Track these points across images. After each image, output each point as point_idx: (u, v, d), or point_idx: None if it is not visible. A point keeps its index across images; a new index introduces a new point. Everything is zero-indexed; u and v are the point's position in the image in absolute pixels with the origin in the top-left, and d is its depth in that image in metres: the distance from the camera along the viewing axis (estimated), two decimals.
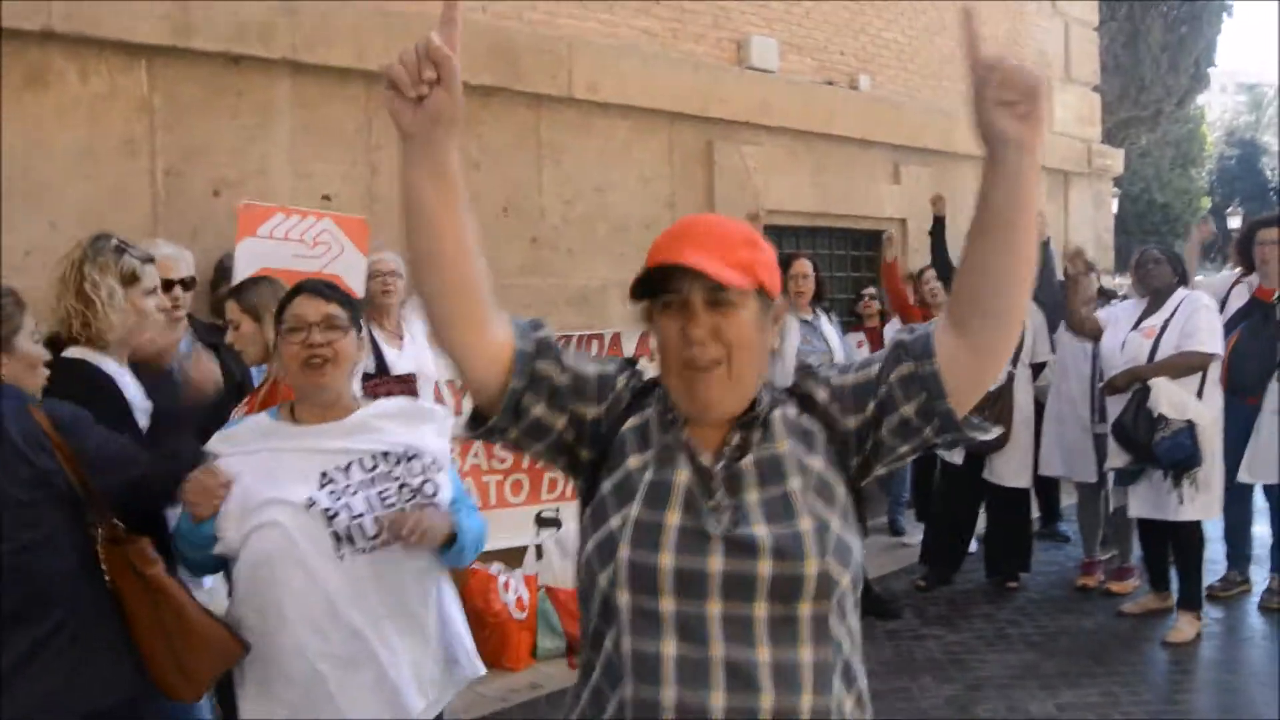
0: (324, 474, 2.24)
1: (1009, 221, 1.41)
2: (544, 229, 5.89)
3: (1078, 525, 6.47)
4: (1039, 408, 6.14)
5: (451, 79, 1.36)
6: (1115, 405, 5.29)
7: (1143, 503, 5.25)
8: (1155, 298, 5.35)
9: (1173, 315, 5.19)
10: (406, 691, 2.28)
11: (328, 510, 2.21)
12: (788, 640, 1.46)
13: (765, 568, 1.45)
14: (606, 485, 1.56)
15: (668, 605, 1.46)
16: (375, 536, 2.24)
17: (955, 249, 6.31)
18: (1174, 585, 5.42)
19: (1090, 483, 6.00)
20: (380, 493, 2.26)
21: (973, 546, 6.50)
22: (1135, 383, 5.13)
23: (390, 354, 4.54)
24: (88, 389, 2.75)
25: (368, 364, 4.35)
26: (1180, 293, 5.27)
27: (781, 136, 7.15)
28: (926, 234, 7.17)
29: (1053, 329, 6.09)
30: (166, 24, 4.38)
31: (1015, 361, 5.84)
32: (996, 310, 1.45)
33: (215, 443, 2.31)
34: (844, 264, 8.18)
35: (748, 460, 1.52)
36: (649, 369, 1.65)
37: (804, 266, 5.72)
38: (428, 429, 2.40)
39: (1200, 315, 5.11)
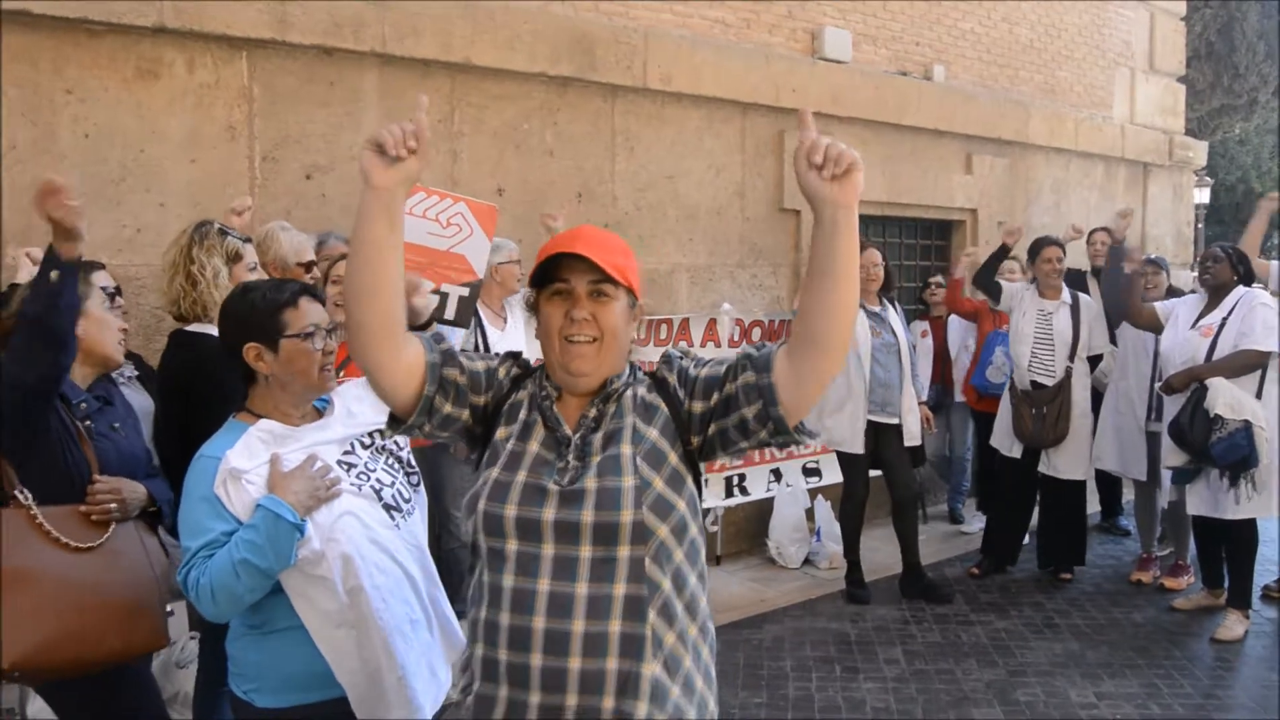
0: (339, 461, 2.31)
1: (828, 269, 1.68)
2: (616, 215, 6.10)
3: (1134, 520, 6.52)
4: (1098, 399, 6.20)
5: (425, 152, 1.69)
6: (1173, 404, 5.33)
7: (1199, 500, 5.29)
8: (1214, 295, 5.37)
9: (1231, 313, 5.22)
10: (459, 633, 2.49)
11: (374, 486, 2.34)
12: (605, 577, 1.78)
13: (588, 516, 1.78)
14: (485, 454, 1.93)
15: (511, 546, 1.81)
16: (409, 500, 2.42)
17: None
18: (1228, 583, 5.46)
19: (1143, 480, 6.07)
20: (385, 463, 2.41)
21: (1028, 538, 6.59)
22: (1192, 382, 5.18)
23: (493, 334, 4.84)
24: (203, 359, 3.06)
25: (471, 341, 4.64)
26: (1238, 290, 5.29)
27: (853, 126, 7.23)
28: (996, 224, 7.23)
29: (1116, 324, 6.13)
30: (266, 19, 4.67)
31: (1072, 356, 5.91)
32: (820, 340, 1.73)
33: (235, 460, 2.22)
34: (913, 253, 8.26)
35: (599, 434, 1.86)
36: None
37: (873, 256, 5.78)
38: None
39: (1257, 313, 5.12)
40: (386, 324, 1.78)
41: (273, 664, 2.26)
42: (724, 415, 1.85)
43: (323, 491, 2.22)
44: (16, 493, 2.50)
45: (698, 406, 1.88)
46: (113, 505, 2.61)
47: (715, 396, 1.86)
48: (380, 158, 1.66)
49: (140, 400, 3.37)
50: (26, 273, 3.52)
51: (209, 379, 3.00)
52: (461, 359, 1.93)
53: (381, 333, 1.78)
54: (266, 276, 3.53)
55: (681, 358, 1.98)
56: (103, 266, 3.73)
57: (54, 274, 2.42)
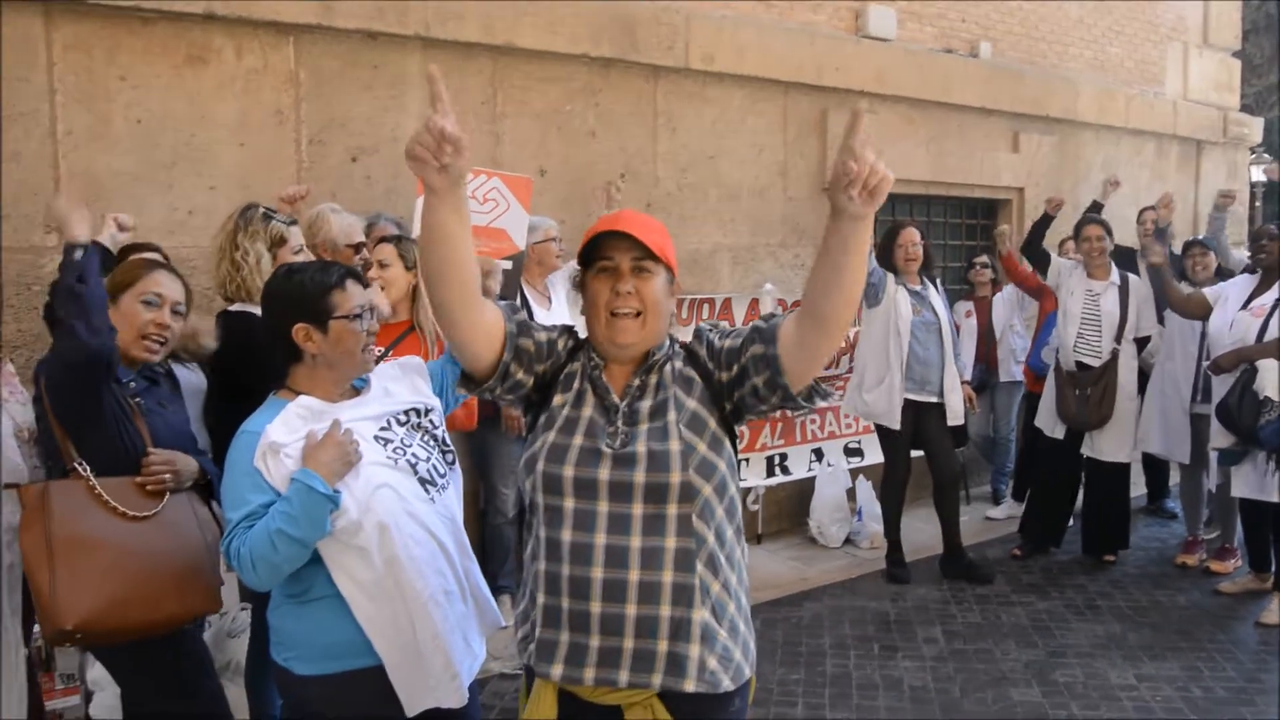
0: (376, 437, 2.37)
1: (837, 265, 1.82)
2: (658, 195, 6.12)
3: (1180, 503, 6.45)
4: (1144, 380, 6.13)
5: (465, 149, 1.74)
6: (1220, 385, 5.27)
7: (1245, 483, 5.23)
8: (1266, 276, 5.28)
9: None
10: (494, 607, 2.58)
11: (410, 461, 2.40)
12: (656, 532, 1.96)
13: (640, 477, 1.96)
14: (541, 418, 2.10)
15: (568, 504, 1.98)
16: (444, 476, 2.48)
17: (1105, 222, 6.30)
18: (1275, 567, 5.39)
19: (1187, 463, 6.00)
20: (421, 440, 2.48)
21: (1072, 520, 6.54)
22: (1241, 363, 5.11)
23: (539, 313, 4.88)
24: (247, 337, 3.15)
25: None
26: None
27: (898, 105, 7.18)
28: (1043, 200, 7.13)
29: (1164, 306, 6.05)
30: (312, 4, 4.74)
31: (1119, 337, 5.85)
32: (822, 320, 1.89)
33: (274, 435, 2.28)
34: (958, 232, 8.19)
35: (644, 403, 2.05)
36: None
37: (912, 235, 5.75)
38: (419, 381, 2.58)
39: None
40: (465, 300, 1.93)
41: (311, 632, 2.33)
42: (741, 384, 2.03)
43: (353, 454, 2.27)
44: (76, 465, 2.63)
45: (725, 376, 2.06)
46: (167, 476, 2.73)
47: (735, 366, 2.04)
48: (428, 166, 1.73)
49: (193, 378, 3.46)
50: (109, 235, 3.63)
51: (254, 357, 3.09)
52: (532, 329, 2.11)
53: (461, 309, 1.94)
54: (313, 258, 3.60)
55: (711, 330, 2.13)
56: (157, 248, 3.83)
57: (78, 252, 2.59)
